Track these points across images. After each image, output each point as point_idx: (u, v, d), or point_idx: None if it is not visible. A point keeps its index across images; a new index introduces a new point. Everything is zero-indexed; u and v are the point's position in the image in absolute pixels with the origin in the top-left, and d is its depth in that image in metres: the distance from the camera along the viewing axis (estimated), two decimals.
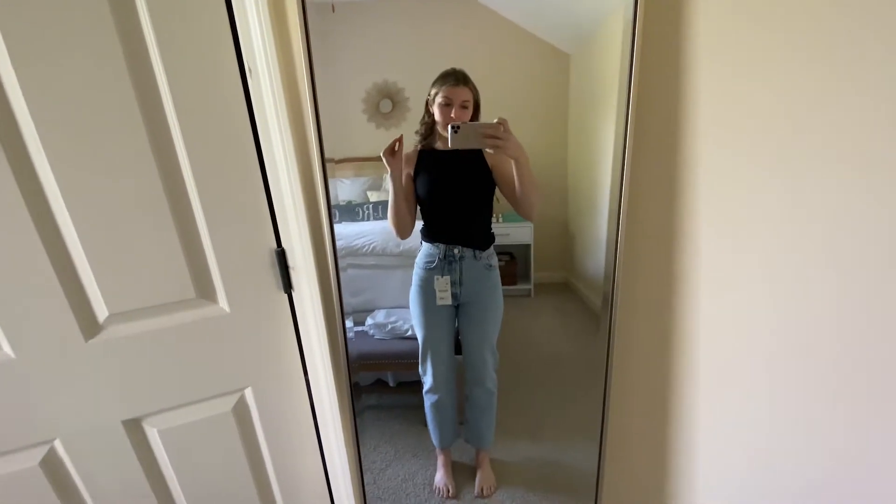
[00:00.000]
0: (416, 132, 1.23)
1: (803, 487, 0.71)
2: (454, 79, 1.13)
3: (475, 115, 1.17)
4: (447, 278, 1.24)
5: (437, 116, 1.16)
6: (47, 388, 0.79)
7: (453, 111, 1.12)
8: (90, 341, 0.79)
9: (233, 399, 0.96)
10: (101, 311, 0.79)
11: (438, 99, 1.14)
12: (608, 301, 1.00)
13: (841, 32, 0.55)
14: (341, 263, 0.94)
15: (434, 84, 1.15)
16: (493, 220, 1.29)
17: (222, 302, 0.88)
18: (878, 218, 0.54)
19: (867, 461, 0.61)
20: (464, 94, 1.13)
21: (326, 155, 0.87)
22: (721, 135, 0.76)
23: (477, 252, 1.25)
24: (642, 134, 0.88)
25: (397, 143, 1.13)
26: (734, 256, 0.77)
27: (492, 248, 1.28)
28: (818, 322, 0.64)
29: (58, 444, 0.83)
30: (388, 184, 1.20)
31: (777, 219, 0.67)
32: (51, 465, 0.84)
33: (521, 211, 1.17)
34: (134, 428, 0.88)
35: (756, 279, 0.73)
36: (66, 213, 0.72)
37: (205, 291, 0.86)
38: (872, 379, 0.58)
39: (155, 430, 0.90)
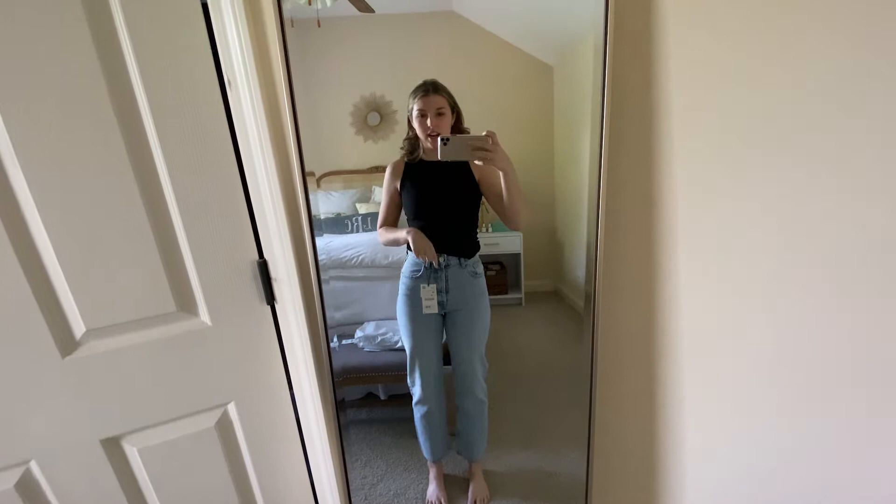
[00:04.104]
0: (401, 147, 1.25)
1: (792, 495, 0.71)
2: (424, 89, 1.15)
3: (457, 121, 1.19)
4: (433, 287, 1.24)
5: (416, 129, 1.18)
6: (22, 407, 0.77)
7: (429, 120, 1.14)
8: (67, 358, 0.78)
9: (216, 415, 0.94)
10: (78, 327, 0.78)
11: (414, 111, 1.16)
12: (590, 307, 1.00)
13: (803, 45, 0.57)
14: (329, 275, 0.94)
15: (409, 98, 1.18)
16: (483, 229, 1.29)
17: (203, 315, 0.87)
18: (858, 215, 0.54)
19: (857, 474, 0.61)
20: (437, 101, 1.14)
21: (314, 168, 0.88)
22: (693, 141, 0.77)
23: (462, 260, 1.25)
24: (618, 143, 0.89)
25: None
26: (714, 260, 0.77)
27: (477, 255, 1.28)
28: (804, 323, 0.64)
29: (34, 466, 0.81)
30: (378, 196, 1.21)
31: (754, 219, 0.68)
32: (27, 487, 0.81)
33: (508, 222, 1.18)
34: (113, 447, 0.86)
35: (736, 281, 0.73)
36: (42, 226, 0.71)
37: (185, 305, 0.85)
38: (864, 381, 0.58)
39: (135, 448, 0.88)
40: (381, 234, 1.29)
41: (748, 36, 0.64)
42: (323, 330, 0.96)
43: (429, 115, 1.14)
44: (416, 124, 1.18)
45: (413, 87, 1.17)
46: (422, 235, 1.21)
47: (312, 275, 0.92)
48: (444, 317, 1.32)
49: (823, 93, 0.55)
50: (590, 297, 1.00)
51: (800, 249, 0.61)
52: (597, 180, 0.91)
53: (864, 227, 0.54)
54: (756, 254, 0.68)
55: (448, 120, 1.17)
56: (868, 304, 0.55)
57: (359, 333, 1.75)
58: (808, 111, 0.57)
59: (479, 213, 1.27)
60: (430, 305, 1.24)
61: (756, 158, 0.65)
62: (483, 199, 1.23)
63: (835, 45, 0.54)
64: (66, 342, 0.78)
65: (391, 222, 1.29)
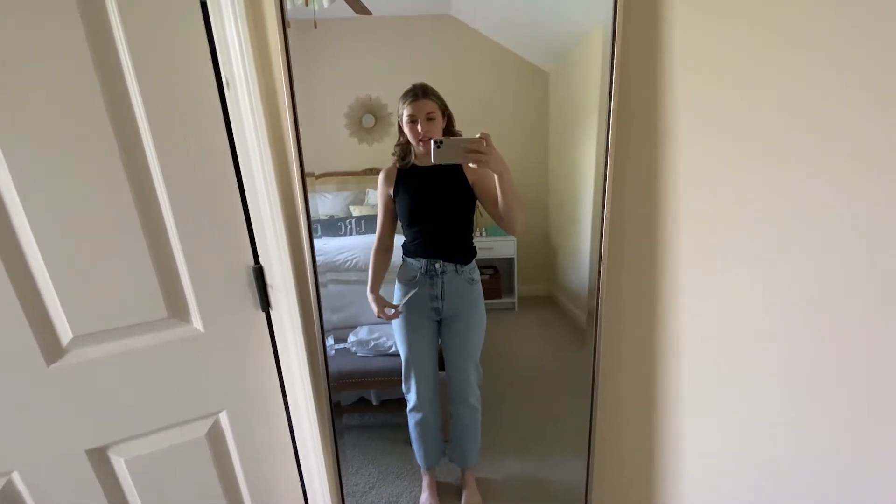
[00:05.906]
0: (393, 153, 1.24)
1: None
2: (413, 94, 1.14)
3: (448, 125, 1.18)
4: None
5: (407, 134, 1.16)
6: (5, 416, 0.74)
7: (420, 125, 1.13)
8: (52, 366, 0.75)
9: (207, 423, 0.91)
10: (65, 333, 0.75)
11: (404, 117, 1.15)
12: (593, 317, 1.00)
13: (800, 52, 0.57)
14: (322, 279, 0.92)
15: (399, 104, 1.16)
16: (477, 234, 1.28)
17: (196, 322, 0.84)
18: (863, 216, 0.54)
19: (860, 482, 0.61)
20: (426, 106, 1.13)
21: (307, 170, 0.86)
22: (701, 147, 0.77)
23: (458, 266, 1.24)
24: (623, 148, 0.89)
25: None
26: (718, 268, 0.77)
27: (473, 262, 1.27)
28: (810, 343, 0.63)
29: (16, 477, 0.78)
30: (372, 198, 1.19)
31: (760, 230, 0.68)
32: (9, 499, 0.78)
33: (504, 226, 1.15)
34: (99, 458, 0.83)
35: (740, 291, 0.73)
36: (27, 226, 0.68)
37: (177, 311, 0.82)
38: (864, 398, 0.58)
39: (122, 459, 0.85)
40: (371, 258, 1.29)
41: (759, 28, 0.64)
42: (320, 338, 0.94)
43: (419, 120, 1.13)
44: (406, 130, 1.16)
45: (402, 92, 1.15)
46: (381, 302, 1.26)
47: (310, 282, 0.90)
48: (439, 323, 1.31)
49: (838, 91, 0.55)
50: (592, 313, 0.99)
51: (807, 262, 0.61)
52: (601, 190, 0.90)
53: (873, 228, 0.53)
54: (763, 268, 0.68)
55: (439, 124, 1.15)
56: (876, 308, 0.55)
57: (352, 338, 1.73)
58: (824, 112, 0.57)
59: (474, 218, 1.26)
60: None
61: (771, 162, 0.65)
62: (477, 203, 1.22)
63: (846, 47, 0.54)
64: (52, 349, 0.75)
65: (388, 232, 1.28)
